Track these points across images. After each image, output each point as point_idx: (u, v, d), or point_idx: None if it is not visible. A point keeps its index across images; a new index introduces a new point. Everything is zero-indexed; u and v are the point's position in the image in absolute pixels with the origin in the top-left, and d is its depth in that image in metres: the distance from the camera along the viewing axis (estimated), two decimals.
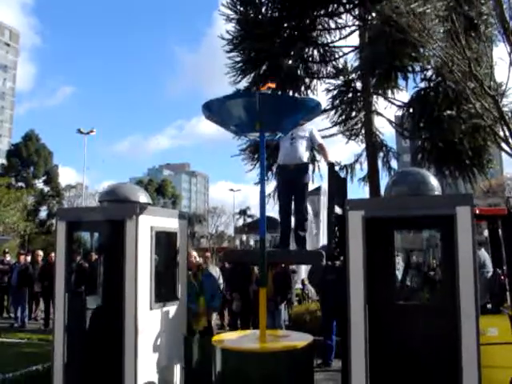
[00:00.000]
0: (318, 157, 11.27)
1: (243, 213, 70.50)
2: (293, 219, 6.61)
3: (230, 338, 5.43)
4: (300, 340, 5.18)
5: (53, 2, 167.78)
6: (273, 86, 5.25)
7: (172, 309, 6.24)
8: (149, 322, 5.72)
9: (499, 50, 10.07)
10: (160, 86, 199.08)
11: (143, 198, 6.28)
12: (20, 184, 55.28)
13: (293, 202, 6.56)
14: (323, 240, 13.21)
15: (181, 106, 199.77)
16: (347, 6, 11.21)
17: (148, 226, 5.74)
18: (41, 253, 14.43)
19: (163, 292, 6.10)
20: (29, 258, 13.92)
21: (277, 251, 6.32)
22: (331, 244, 5.48)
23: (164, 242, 6.34)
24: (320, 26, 11.47)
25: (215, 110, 4.99)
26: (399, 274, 6.86)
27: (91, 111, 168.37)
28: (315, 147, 7.28)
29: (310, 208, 11.62)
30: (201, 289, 6.84)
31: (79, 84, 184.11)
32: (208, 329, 6.95)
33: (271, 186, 10.67)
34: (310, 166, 10.64)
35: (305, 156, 6.48)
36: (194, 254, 7.81)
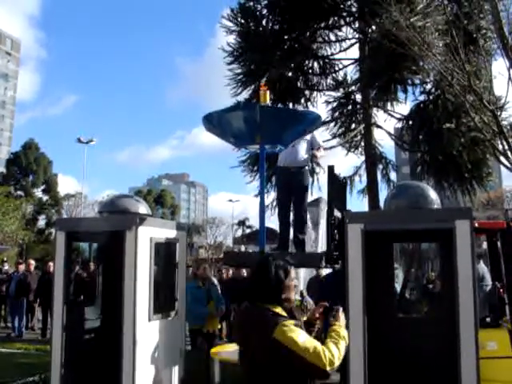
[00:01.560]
0: (318, 169, 11.30)
1: (242, 223, 70.48)
2: (292, 222, 6.63)
3: (229, 350, 5.42)
4: None
5: (58, 14, 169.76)
6: (265, 88, 5.25)
7: (171, 320, 6.22)
8: (147, 334, 5.70)
9: (498, 65, 10.15)
10: (162, 96, 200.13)
11: (143, 209, 6.28)
12: (19, 193, 55.21)
13: (292, 205, 6.57)
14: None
15: (182, 116, 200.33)
16: (347, 19, 11.29)
17: (147, 237, 5.74)
18: (33, 262, 14.38)
19: (162, 303, 6.09)
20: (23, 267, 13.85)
21: (276, 254, 6.30)
22: (330, 247, 5.48)
23: (163, 253, 6.34)
24: (320, 39, 11.54)
25: (215, 122, 5.01)
26: (398, 286, 6.86)
27: (94, 120, 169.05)
28: (314, 149, 7.23)
29: (309, 218, 11.64)
30: (209, 295, 6.93)
31: (82, 93, 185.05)
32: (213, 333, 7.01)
33: (271, 197, 10.68)
34: (310, 179, 10.67)
35: (305, 159, 6.51)
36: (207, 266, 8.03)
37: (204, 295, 6.79)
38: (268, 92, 5.16)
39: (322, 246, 13.29)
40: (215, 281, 7.78)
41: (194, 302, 6.70)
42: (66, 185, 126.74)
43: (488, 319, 5.87)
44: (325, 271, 11.47)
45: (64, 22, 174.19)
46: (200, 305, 6.66)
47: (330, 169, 5.76)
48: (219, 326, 7.17)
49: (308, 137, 6.49)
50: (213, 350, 5.26)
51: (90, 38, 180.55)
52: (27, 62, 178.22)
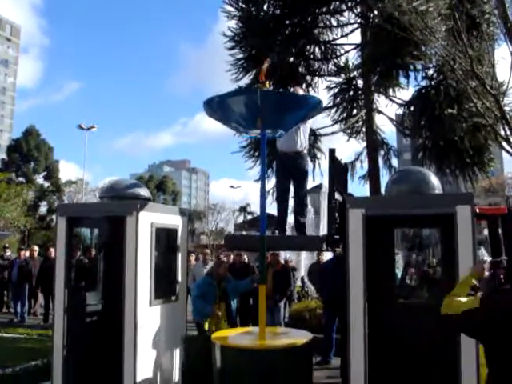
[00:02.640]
0: (319, 154, 11.27)
1: (243, 210, 70.60)
2: (293, 206, 6.63)
3: (230, 335, 5.44)
4: (299, 337, 5.20)
5: (61, 2, 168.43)
6: (262, 79, 5.20)
7: (171, 305, 6.25)
8: (148, 319, 5.73)
9: (501, 50, 10.07)
10: (165, 82, 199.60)
11: (143, 194, 6.28)
12: (20, 179, 55.29)
13: (293, 189, 6.57)
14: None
15: (185, 103, 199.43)
16: (349, 4, 11.17)
17: (148, 222, 5.74)
18: (36, 248, 14.43)
19: (163, 289, 6.11)
20: (27, 253, 13.92)
21: (276, 237, 6.31)
22: (331, 230, 5.48)
23: (164, 239, 6.35)
24: (322, 24, 11.43)
25: (216, 107, 4.98)
26: (399, 272, 6.87)
27: (96, 107, 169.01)
28: None
29: (310, 205, 11.65)
30: (223, 295, 6.73)
31: (85, 80, 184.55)
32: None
33: (271, 183, 10.67)
34: (311, 164, 10.64)
35: (303, 143, 6.49)
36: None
37: (214, 295, 6.62)
38: (267, 82, 5.12)
39: (323, 231, 13.33)
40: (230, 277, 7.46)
41: (200, 298, 6.62)
42: (68, 171, 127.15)
43: None
44: (326, 257, 11.51)
45: (67, 9, 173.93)
46: (204, 302, 6.57)
47: (332, 152, 5.74)
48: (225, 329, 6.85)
49: (309, 120, 6.47)
50: (214, 335, 5.27)
51: (93, 25, 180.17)
52: (30, 49, 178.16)
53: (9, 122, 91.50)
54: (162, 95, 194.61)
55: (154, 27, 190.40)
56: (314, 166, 11.21)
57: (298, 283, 14.25)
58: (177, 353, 6.35)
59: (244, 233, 34.01)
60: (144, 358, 5.63)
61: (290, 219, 7.07)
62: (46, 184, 58.01)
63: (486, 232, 7.07)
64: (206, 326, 6.59)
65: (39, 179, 58.50)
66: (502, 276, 5.80)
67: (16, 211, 40.00)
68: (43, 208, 56.03)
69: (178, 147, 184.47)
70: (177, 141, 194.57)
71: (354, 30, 11.26)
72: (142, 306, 5.58)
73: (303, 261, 16.60)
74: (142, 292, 5.61)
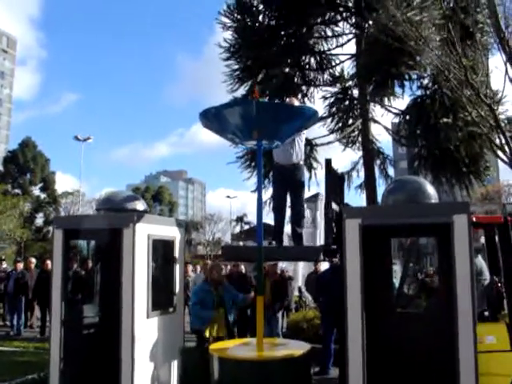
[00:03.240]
0: (315, 164, 11.29)
1: (240, 220, 70.57)
2: (289, 216, 6.64)
3: (228, 347, 5.41)
4: (297, 348, 5.17)
5: (58, 15, 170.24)
6: (256, 95, 5.26)
7: (169, 317, 6.22)
8: (145, 331, 5.70)
9: (495, 59, 10.14)
10: (161, 93, 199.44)
11: (140, 206, 6.28)
12: (16, 191, 55.17)
13: (289, 200, 6.59)
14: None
15: (182, 114, 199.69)
16: (344, 15, 11.26)
17: (145, 234, 5.73)
18: (33, 260, 14.35)
19: (160, 300, 6.09)
20: (22, 265, 13.81)
21: (273, 248, 6.31)
22: (328, 240, 5.48)
23: (161, 250, 6.34)
24: (317, 34, 11.52)
25: (212, 118, 5.00)
26: (396, 281, 6.86)
27: (93, 118, 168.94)
28: None
29: (308, 213, 11.66)
30: (221, 301, 6.70)
31: (82, 92, 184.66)
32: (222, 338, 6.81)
33: (268, 193, 10.68)
34: (307, 174, 10.65)
35: (301, 154, 6.53)
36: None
37: (211, 300, 6.60)
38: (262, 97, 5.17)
39: (320, 240, 13.32)
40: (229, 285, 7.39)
41: (197, 305, 6.61)
42: (65, 183, 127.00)
43: (486, 313, 5.88)
44: (323, 267, 11.49)
45: (64, 22, 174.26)
46: (202, 308, 6.55)
47: (328, 162, 5.76)
48: (224, 334, 6.81)
49: (304, 132, 6.51)
50: (212, 347, 5.25)
51: (90, 36, 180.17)
52: (28, 61, 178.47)
53: (5, 133, 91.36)
54: (159, 106, 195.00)
55: (151, 38, 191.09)
56: (310, 175, 11.23)
57: (296, 293, 14.21)
58: (174, 365, 6.31)
59: (241, 243, 33.96)
60: (141, 370, 5.60)
61: (287, 229, 7.09)
62: (43, 195, 57.89)
63: (483, 240, 7.10)
64: (207, 333, 6.54)
65: (35, 191, 58.39)
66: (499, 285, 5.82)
67: (12, 223, 39.88)
68: (39, 220, 55.90)
69: (174, 158, 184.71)
70: (173, 151, 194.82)
71: (349, 41, 11.35)
72: (139, 318, 5.56)
73: (300, 270, 16.55)
74: (139, 304, 5.58)
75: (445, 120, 10.04)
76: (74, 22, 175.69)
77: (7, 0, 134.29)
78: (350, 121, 11.57)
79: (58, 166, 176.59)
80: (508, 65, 8.76)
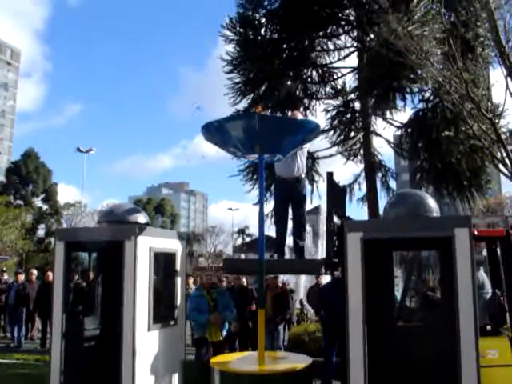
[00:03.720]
0: (317, 177, 11.30)
1: (242, 232, 70.47)
2: (291, 228, 6.64)
3: (229, 360, 5.40)
4: (299, 362, 5.15)
5: (62, 28, 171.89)
6: (260, 109, 5.29)
7: (170, 330, 6.20)
8: (147, 344, 5.69)
9: (496, 74, 10.18)
10: (165, 105, 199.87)
11: (142, 218, 6.29)
12: (18, 202, 55.17)
13: (291, 213, 6.60)
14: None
15: (184, 126, 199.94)
16: (346, 28, 11.34)
17: (147, 246, 5.74)
18: (35, 272, 14.32)
19: (161, 313, 6.08)
20: (22, 277, 13.78)
21: (275, 261, 6.30)
22: (330, 253, 5.48)
23: (163, 263, 6.34)
24: (319, 47, 11.59)
25: (214, 131, 5.02)
26: (398, 294, 6.84)
27: (97, 130, 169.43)
28: None
29: (308, 227, 11.64)
30: (215, 305, 6.76)
31: (86, 104, 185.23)
32: (221, 342, 6.87)
33: (270, 205, 10.68)
34: (309, 187, 10.67)
35: (303, 168, 6.54)
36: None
37: (206, 304, 6.67)
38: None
39: (322, 253, 13.31)
40: (224, 291, 7.45)
41: (193, 311, 6.65)
42: (68, 194, 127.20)
43: (488, 327, 5.86)
44: (325, 279, 11.46)
45: (68, 35, 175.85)
46: (198, 313, 6.59)
47: (329, 175, 5.77)
48: (220, 338, 6.86)
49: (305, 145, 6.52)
50: (213, 360, 5.23)
51: (94, 48, 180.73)
52: (33, 74, 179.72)
53: (8, 144, 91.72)
54: (162, 117, 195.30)
55: (155, 50, 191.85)
56: (312, 188, 11.25)
57: (297, 306, 14.16)
58: (175, 378, 6.29)
59: (243, 255, 33.90)
60: (142, 383, 5.57)
61: (289, 241, 7.09)
62: (45, 207, 57.90)
63: (485, 253, 7.08)
64: (208, 336, 6.57)
65: (37, 202, 58.40)
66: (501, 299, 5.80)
67: (14, 234, 39.83)
68: (41, 231, 55.83)
69: (177, 170, 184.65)
70: (176, 163, 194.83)
71: (350, 54, 11.42)
72: (140, 330, 5.55)
73: (302, 283, 16.52)
74: (141, 317, 5.58)
75: (446, 133, 10.07)
76: (78, 35, 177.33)
77: (13, 13, 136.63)
78: (352, 134, 11.61)
79: (62, 177, 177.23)
80: (509, 79, 8.79)
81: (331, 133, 11.59)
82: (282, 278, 12.60)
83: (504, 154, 9.21)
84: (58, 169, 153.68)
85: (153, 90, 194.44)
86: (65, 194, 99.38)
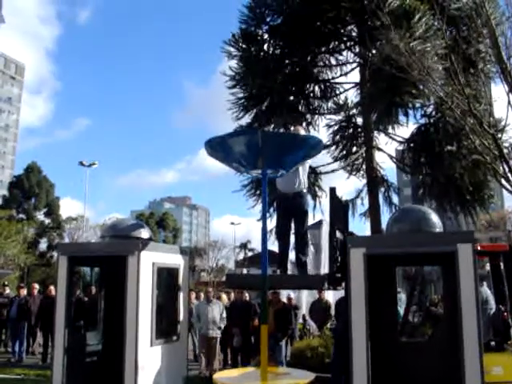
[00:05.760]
0: (320, 192, 11.31)
1: (244, 246, 70.29)
2: (293, 243, 6.64)
3: (231, 376, 5.37)
4: (301, 378, 5.13)
5: (72, 46, 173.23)
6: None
7: (173, 345, 6.19)
8: (149, 359, 5.67)
9: (497, 89, 10.22)
10: (169, 120, 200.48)
11: (145, 233, 6.30)
12: (21, 216, 55.24)
13: (293, 228, 6.59)
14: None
15: (188, 140, 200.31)
16: (348, 44, 11.42)
17: (150, 261, 5.74)
18: (36, 286, 14.28)
19: (164, 328, 6.07)
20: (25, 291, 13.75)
21: (278, 276, 6.29)
22: (333, 268, 5.48)
23: (166, 278, 6.34)
24: (321, 63, 11.66)
25: (217, 147, 5.04)
26: (401, 310, 6.82)
27: (102, 143, 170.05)
28: None
29: (310, 242, 11.61)
30: None
31: (92, 119, 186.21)
32: None
33: (273, 221, 10.67)
34: (312, 202, 10.67)
35: (304, 183, 6.55)
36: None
37: None
38: None
39: (324, 267, 13.27)
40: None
41: None
42: (72, 208, 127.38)
43: (492, 343, 5.83)
44: (327, 294, 11.41)
45: (77, 52, 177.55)
46: None
47: (332, 191, 5.78)
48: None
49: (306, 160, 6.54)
50: (215, 376, 5.21)
51: (101, 63, 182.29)
52: (42, 90, 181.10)
53: (11, 158, 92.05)
54: (167, 132, 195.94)
55: (161, 66, 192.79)
56: (315, 204, 11.26)
57: (300, 321, 14.08)
58: None
59: (245, 270, 33.80)
60: None
61: (291, 256, 7.08)
62: (47, 221, 57.92)
63: (488, 267, 7.07)
64: None
65: (40, 216, 58.44)
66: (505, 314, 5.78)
67: (16, 248, 39.83)
68: (43, 245, 55.79)
69: (179, 184, 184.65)
70: (179, 178, 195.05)
71: (353, 69, 11.48)
72: (142, 346, 5.53)
73: (304, 298, 16.43)
74: (143, 332, 5.57)
75: (449, 148, 10.09)
76: (87, 52, 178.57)
77: (23, 31, 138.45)
78: (354, 148, 11.63)
79: (68, 191, 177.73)
80: (510, 95, 8.81)
81: (333, 148, 11.62)
82: (288, 292, 12.55)
83: (506, 169, 9.21)
84: (65, 183, 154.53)
85: (158, 104, 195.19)
86: (70, 208, 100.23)
